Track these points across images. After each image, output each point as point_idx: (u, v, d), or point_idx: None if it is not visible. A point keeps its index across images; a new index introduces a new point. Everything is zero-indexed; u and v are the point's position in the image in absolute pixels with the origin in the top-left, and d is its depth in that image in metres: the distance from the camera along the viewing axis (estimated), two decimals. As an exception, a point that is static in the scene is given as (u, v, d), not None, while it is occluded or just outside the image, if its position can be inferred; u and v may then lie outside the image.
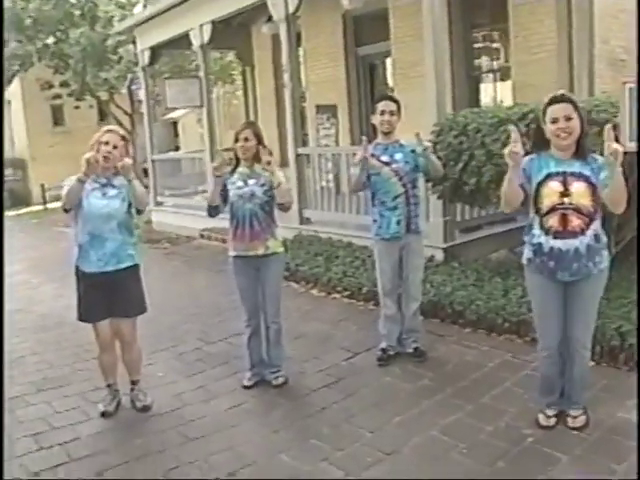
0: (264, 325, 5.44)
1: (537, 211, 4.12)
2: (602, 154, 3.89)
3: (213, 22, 11.89)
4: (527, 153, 4.12)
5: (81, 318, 5.03)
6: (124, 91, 23.46)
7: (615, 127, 4.25)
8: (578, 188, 4.00)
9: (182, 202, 14.00)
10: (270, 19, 11.42)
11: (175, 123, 33.98)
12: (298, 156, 10.16)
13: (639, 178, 5.33)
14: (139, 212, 5.07)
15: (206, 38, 12.09)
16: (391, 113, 5.53)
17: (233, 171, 5.31)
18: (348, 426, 4.67)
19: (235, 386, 5.48)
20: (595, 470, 3.88)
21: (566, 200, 4.00)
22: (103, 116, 26.10)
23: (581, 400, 4.39)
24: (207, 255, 11.20)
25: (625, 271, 5.98)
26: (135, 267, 5.03)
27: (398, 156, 5.52)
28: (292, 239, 9.43)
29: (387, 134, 5.57)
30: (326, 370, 5.69)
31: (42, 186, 23.98)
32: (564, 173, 4.02)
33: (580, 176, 4.01)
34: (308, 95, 14.10)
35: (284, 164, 10.78)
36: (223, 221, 5.74)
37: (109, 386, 5.19)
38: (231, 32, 14.88)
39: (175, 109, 21.64)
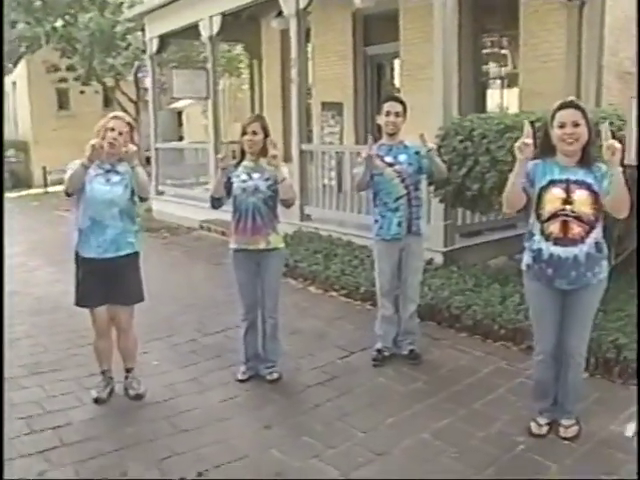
0: (261, 319, 5.45)
1: (538, 217, 4.12)
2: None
3: (223, 14, 11.90)
4: (532, 159, 4.12)
5: (78, 303, 5.03)
6: (130, 78, 23.44)
7: (621, 140, 4.27)
8: (580, 196, 4.01)
9: (183, 192, 14.00)
10: (280, 14, 11.40)
11: (180, 113, 33.90)
12: (302, 152, 10.18)
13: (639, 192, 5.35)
14: (141, 200, 5.07)
15: (215, 30, 12.09)
16: (396, 114, 5.53)
17: (238, 164, 5.31)
18: (341, 425, 4.68)
19: (229, 379, 5.48)
20: (585, 481, 3.90)
21: (568, 207, 4.01)
22: (108, 102, 26.05)
23: (574, 410, 4.40)
24: (206, 246, 11.21)
25: (624, 284, 5.99)
26: (134, 255, 5.03)
27: (402, 157, 5.52)
28: (292, 235, 9.43)
29: (392, 135, 5.57)
30: (321, 367, 5.70)
31: (44, 169, 23.94)
32: (567, 180, 4.03)
33: (583, 184, 4.02)
34: (314, 92, 14.10)
35: (287, 159, 10.76)
36: (223, 213, 5.74)
37: (103, 373, 5.19)
38: (240, 25, 14.89)
39: (180, 99, 21.61)
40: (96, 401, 5.08)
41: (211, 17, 12.04)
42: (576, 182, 4.03)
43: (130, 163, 4.83)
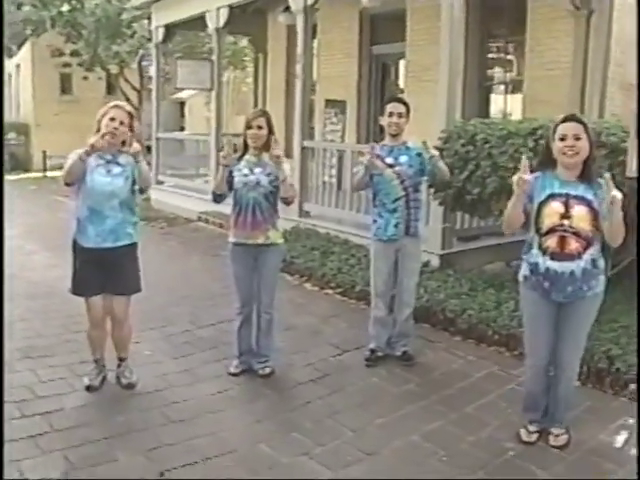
0: (256, 314, 5.45)
1: (537, 230, 4.13)
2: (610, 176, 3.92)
3: (230, 6, 11.89)
4: (532, 171, 4.12)
5: (74, 291, 5.02)
6: (134, 66, 23.40)
7: (625, 152, 4.28)
8: (579, 211, 4.01)
9: (183, 183, 14.00)
10: (287, 9, 11.38)
11: (182, 103, 33.93)
12: (303, 149, 10.17)
13: (639, 203, 5.36)
14: (142, 191, 5.06)
15: (222, 22, 12.08)
16: (399, 115, 5.52)
17: (240, 158, 5.31)
18: (331, 423, 4.69)
19: (221, 372, 5.49)
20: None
21: (566, 222, 4.02)
22: (111, 89, 26.03)
23: (564, 419, 4.41)
24: (204, 238, 11.21)
25: (619, 295, 6.00)
26: (133, 246, 5.02)
27: (403, 159, 5.51)
28: (290, 231, 9.42)
29: (395, 136, 5.56)
30: (313, 364, 5.70)
31: (44, 153, 23.88)
32: (567, 195, 4.04)
33: (582, 200, 4.02)
34: (318, 88, 14.08)
35: (288, 155, 10.75)
36: (222, 205, 5.73)
37: (96, 361, 5.18)
38: (247, 18, 14.84)
39: (184, 89, 21.60)
40: (88, 388, 5.07)
41: (218, 9, 12.02)
42: (576, 197, 4.03)
43: (135, 158, 4.81)
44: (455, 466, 4.13)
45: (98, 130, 4.75)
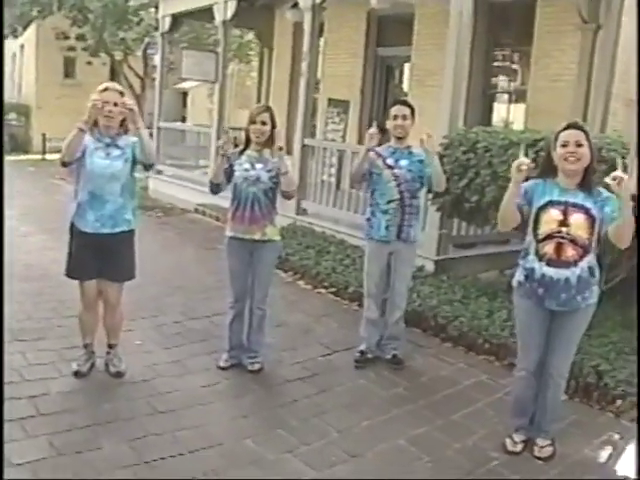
0: (249, 309, 5.45)
1: (534, 236, 4.14)
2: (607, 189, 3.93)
3: (238, -1, 11.86)
4: (528, 179, 4.13)
5: (69, 274, 5.02)
6: (139, 54, 23.38)
7: (625, 168, 4.28)
8: (577, 219, 4.02)
9: (182, 173, 13.97)
10: (295, 5, 11.37)
11: (185, 93, 33.88)
12: (304, 146, 10.16)
13: (638, 219, 5.37)
14: (146, 168, 5.02)
15: (229, 14, 12.05)
16: (404, 117, 5.51)
17: (242, 152, 5.30)
18: (317, 422, 4.69)
19: (210, 365, 5.49)
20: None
21: (564, 229, 4.03)
22: (114, 75, 25.87)
23: (550, 430, 4.42)
24: (200, 230, 11.20)
25: (611, 310, 6.02)
26: (130, 232, 5.01)
27: (403, 162, 5.51)
28: (286, 228, 9.42)
29: (400, 139, 5.56)
30: (303, 363, 5.71)
31: (43, 135, 23.79)
32: (566, 203, 4.05)
33: (581, 208, 4.03)
34: (322, 87, 14.08)
35: (289, 152, 10.71)
36: (219, 198, 5.73)
37: (86, 346, 5.18)
38: (254, 12, 14.85)
39: (188, 80, 21.56)
40: (76, 374, 5.07)
41: (226, 1, 11.98)
42: (574, 205, 4.04)
43: (135, 124, 4.77)
44: (439, 472, 4.14)
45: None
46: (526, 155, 4.15)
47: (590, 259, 4.10)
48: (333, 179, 10.57)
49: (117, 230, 4.90)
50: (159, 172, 14.30)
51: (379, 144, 5.60)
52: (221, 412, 4.78)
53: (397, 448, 4.41)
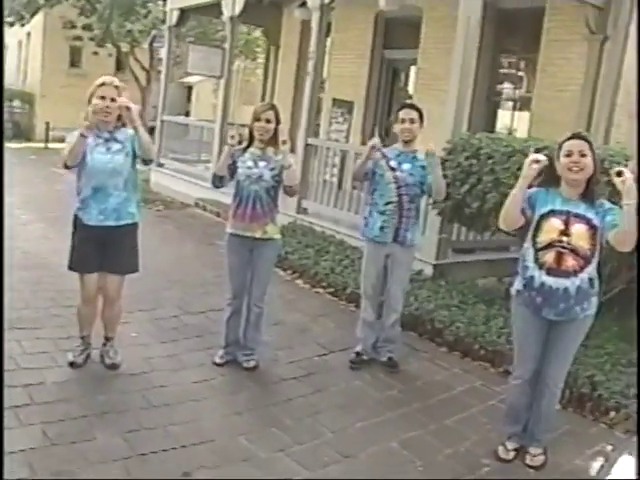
0: (246, 307, 5.45)
1: (534, 244, 4.14)
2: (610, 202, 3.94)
3: (247, -5, 11.86)
4: (530, 187, 4.13)
5: (71, 267, 5.01)
6: (145, 46, 23.38)
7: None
8: (579, 229, 4.02)
9: (183, 167, 13.96)
10: (304, 4, 11.37)
11: (190, 88, 33.84)
12: (307, 145, 10.15)
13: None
14: (145, 163, 4.98)
15: (237, 10, 12.04)
16: (411, 121, 5.51)
17: (245, 149, 5.30)
18: (311, 422, 4.70)
19: (206, 361, 5.49)
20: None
21: (565, 239, 4.03)
22: (120, 66, 25.92)
23: (542, 439, 4.43)
24: (199, 225, 11.21)
25: (608, 322, 6.02)
26: (134, 225, 5.01)
27: (405, 166, 5.51)
28: (287, 226, 9.42)
29: (407, 142, 5.55)
30: (298, 362, 5.71)
31: (47, 124, 23.75)
32: (568, 212, 4.05)
33: (583, 218, 4.03)
34: (327, 87, 14.09)
35: (291, 151, 10.74)
36: (220, 194, 5.72)
37: (82, 338, 5.17)
38: (262, 9, 14.86)
39: (194, 74, 21.56)
40: (71, 365, 5.07)
41: (235, -3, 12.00)
42: (576, 215, 4.04)
43: (132, 122, 4.75)
44: (430, 476, 4.15)
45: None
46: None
47: (591, 270, 4.10)
48: (335, 179, 10.60)
49: (121, 223, 4.90)
50: (161, 165, 14.30)
51: (384, 146, 5.61)
52: (215, 408, 4.78)
53: (389, 451, 4.42)
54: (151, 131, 14.85)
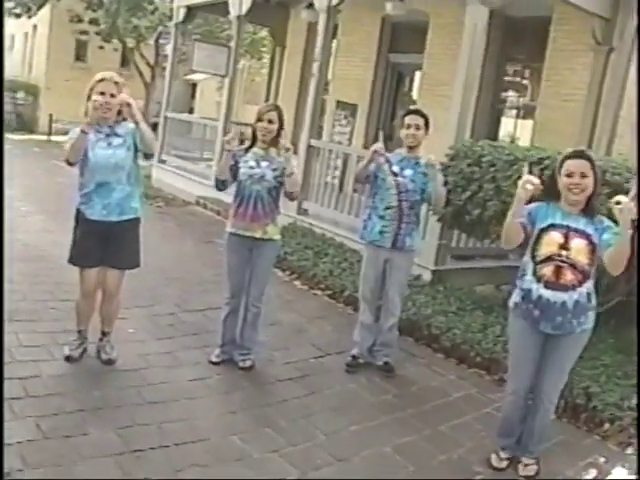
0: (244, 306, 5.45)
1: (533, 257, 4.13)
2: (609, 216, 3.93)
3: (254, -5, 11.86)
4: (532, 200, 4.12)
5: (72, 261, 5.01)
6: (151, 42, 23.38)
7: (626, 193, 4.29)
8: (578, 244, 4.02)
9: (185, 165, 13.96)
10: (311, 5, 11.37)
11: (194, 85, 33.87)
12: (310, 147, 10.15)
13: (639, 241, 5.38)
14: (147, 157, 4.99)
15: (244, 10, 12.05)
16: (417, 127, 5.51)
17: (248, 150, 5.30)
18: (305, 423, 4.70)
19: (202, 359, 5.49)
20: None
21: (564, 253, 4.02)
22: (125, 62, 25.97)
23: (536, 450, 4.42)
24: (200, 223, 11.20)
25: (604, 334, 6.02)
26: (136, 220, 5.02)
27: (407, 172, 5.51)
28: (287, 227, 9.42)
29: (412, 148, 5.56)
30: (294, 363, 5.71)
31: (50, 116, 23.78)
32: (567, 227, 4.05)
33: (583, 233, 4.03)
34: (331, 89, 14.08)
35: (293, 152, 10.76)
36: (221, 193, 5.71)
37: (79, 332, 5.17)
38: (269, 9, 14.88)
39: (199, 72, 21.58)
40: (67, 359, 5.07)
41: (242, -4, 12.00)
42: (576, 230, 4.04)
43: (133, 118, 4.74)
44: (422, 482, 4.16)
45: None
46: (530, 173, 4.12)
47: (589, 285, 4.09)
48: (336, 181, 10.60)
49: (124, 218, 4.90)
50: (163, 161, 14.31)
51: (386, 149, 5.61)
52: (209, 407, 4.78)
53: (382, 455, 4.42)
54: (154, 127, 14.85)
